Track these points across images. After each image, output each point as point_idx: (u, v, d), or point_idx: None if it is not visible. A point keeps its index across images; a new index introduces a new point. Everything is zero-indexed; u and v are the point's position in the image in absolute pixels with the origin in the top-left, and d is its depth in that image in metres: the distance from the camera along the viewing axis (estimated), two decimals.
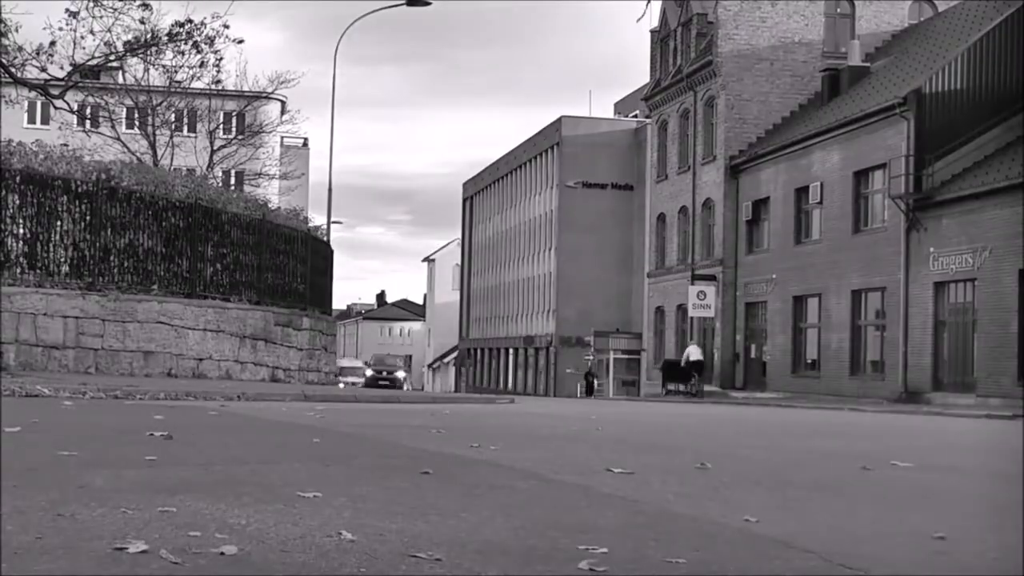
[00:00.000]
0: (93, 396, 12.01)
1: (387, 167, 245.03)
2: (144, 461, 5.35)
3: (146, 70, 35.41)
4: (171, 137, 39.67)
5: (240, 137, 46.57)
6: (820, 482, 5.91)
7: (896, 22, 46.07)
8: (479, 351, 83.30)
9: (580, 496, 4.71)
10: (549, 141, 68.90)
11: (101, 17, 26.56)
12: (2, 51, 26.41)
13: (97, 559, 2.89)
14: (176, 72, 33.84)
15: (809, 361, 40.13)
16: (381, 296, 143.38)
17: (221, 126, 45.78)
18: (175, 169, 32.84)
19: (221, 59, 31.24)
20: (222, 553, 3.02)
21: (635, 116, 68.01)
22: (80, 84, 30.95)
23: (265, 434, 7.73)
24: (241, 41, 31.27)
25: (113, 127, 39.24)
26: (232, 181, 48.34)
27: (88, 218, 18.31)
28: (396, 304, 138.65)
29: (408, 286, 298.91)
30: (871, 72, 41.76)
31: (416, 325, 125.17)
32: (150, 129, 39.43)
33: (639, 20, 57.12)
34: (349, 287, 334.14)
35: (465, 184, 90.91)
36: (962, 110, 33.88)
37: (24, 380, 13.05)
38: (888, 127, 34.96)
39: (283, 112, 49.71)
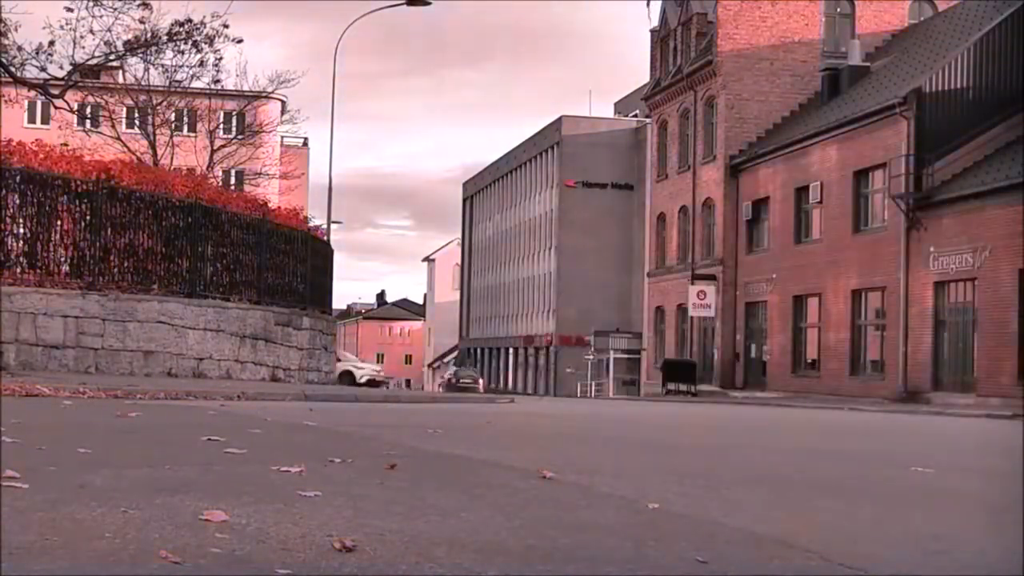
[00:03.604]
0: (93, 396, 12.01)
1: (387, 167, 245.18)
2: (144, 460, 5.35)
3: (146, 70, 35.41)
4: (171, 137, 39.66)
5: (240, 137, 46.57)
6: (820, 482, 5.91)
7: (896, 22, 46.08)
8: (479, 351, 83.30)
9: (580, 496, 4.71)
10: (549, 141, 68.91)
11: (101, 16, 26.58)
12: (2, 51, 26.41)
13: (97, 559, 2.89)
14: (176, 72, 33.87)
15: (809, 361, 40.14)
16: (381, 296, 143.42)
17: (221, 126, 45.78)
18: (175, 169, 32.84)
19: (221, 59, 31.31)
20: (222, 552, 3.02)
21: (635, 116, 68.02)
22: (80, 84, 30.97)
23: (264, 434, 7.73)
24: (240, 41, 31.32)
25: (113, 127, 39.23)
26: (232, 181, 48.34)
27: (88, 218, 18.30)
28: (396, 304, 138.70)
29: (408, 286, 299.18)
30: (871, 72, 41.77)
31: (416, 325, 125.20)
32: (150, 129, 39.43)
33: (648, 6, 56.68)
34: (349, 287, 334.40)
35: (465, 184, 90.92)
36: (962, 110, 33.90)
37: (24, 380, 13.05)
38: (888, 127, 34.97)
39: (283, 112, 49.71)
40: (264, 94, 43.47)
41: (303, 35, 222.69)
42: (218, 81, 33.83)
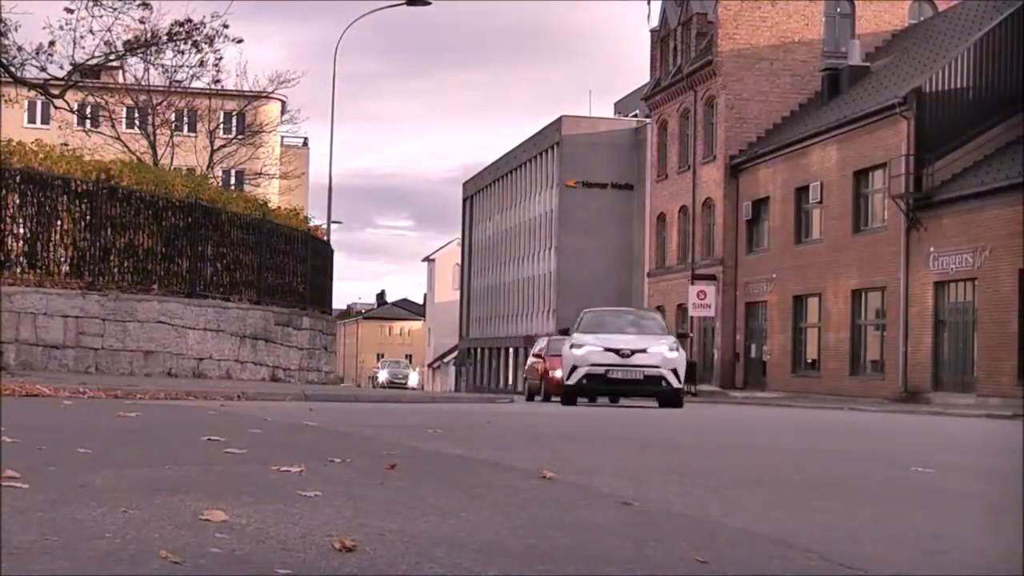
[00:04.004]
0: (93, 396, 12.01)
1: (387, 168, 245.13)
2: (144, 460, 5.35)
3: (146, 70, 35.45)
4: (171, 137, 39.69)
5: (240, 137, 46.59)
6: (820, 482, 5.91)
7: (896, 22, 46.09)
8: (479, 351, 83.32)
9: (580, 496, 4.71)
10: (549, 141, 68.90)
11: (101, 16, 26.59)
12: (2, 51, 26.41)
13: (97, 559, 2.89)
14: (176, 72, 33.89)
15: (809, 361, 40.15)
16: (381, 296, 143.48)
17: (221, 126, 45.79)
18: (175, 169, 32.84)
19: (221, 59, 31.34)
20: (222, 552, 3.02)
21: (635, 116, 68.02)
22: (80, 84, 30.98)
23: (264, 434, 7.73)
24: (240, 41, 31.34)
25: (113, 127, 39.25)
26: (232, 181, 48.35)
27: (88, 218, 18.30)
28: (396, 304, 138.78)
29: (408, 286, 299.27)
30: (871, 72, 41.78)
31: (416, 325, 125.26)
32: (150, 129, 39.45)
33: (648, 16, 57.40)
34: (349, 287, 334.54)
35: (465, 184, 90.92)
36: (962, 110, 33.91)
37: (24, 380, 13.05)
38: (888, 127, 34.97)
39: (283, 112, 49.74)
40: (264, 94, 43.51)
41: (303, 36, 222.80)
42: (218, 81, 33.88)
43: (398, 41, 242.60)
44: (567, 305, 65.15)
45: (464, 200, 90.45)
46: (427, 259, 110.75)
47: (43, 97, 29.84)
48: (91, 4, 26.29)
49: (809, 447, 9.20)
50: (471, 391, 70.27)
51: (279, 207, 27.13)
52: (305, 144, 73.17)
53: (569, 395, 20.84)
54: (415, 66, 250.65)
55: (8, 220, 17.29)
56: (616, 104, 79.36)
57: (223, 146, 44.25)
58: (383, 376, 77.02)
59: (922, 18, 45.84)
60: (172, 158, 39.02)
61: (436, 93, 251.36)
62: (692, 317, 46.15)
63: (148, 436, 7.28)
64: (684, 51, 49.81)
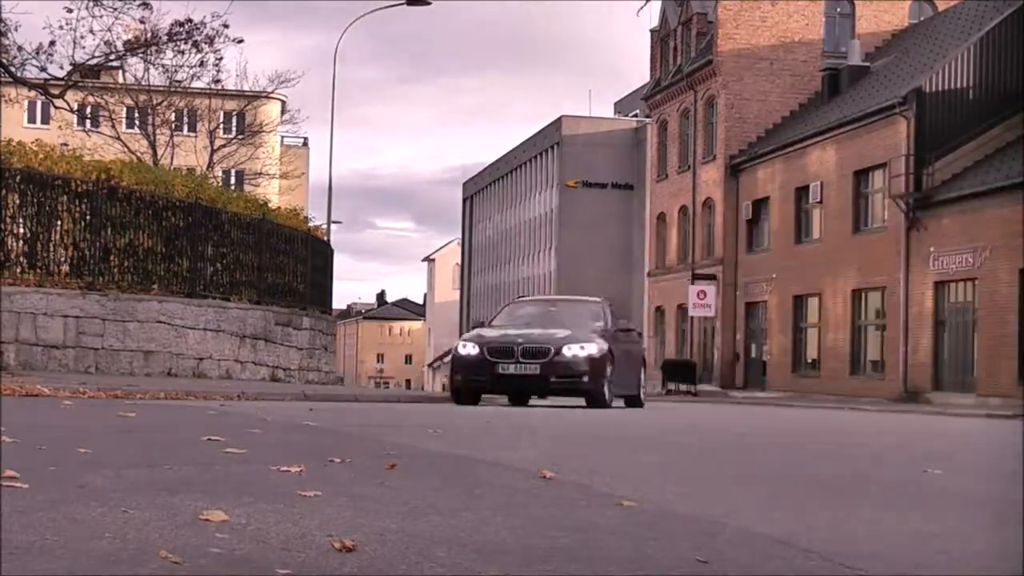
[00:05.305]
0: (93, 396, 12.01)
1: (387, 169, 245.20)
2: (144, 460, 5.35)
3: (146, 70, 35.47)
4: (171, 137, 39.71)
5: (240, 137, 46.61)
6: (820, 482, 5.91)
7: (896, 22, 46.09)
8: None
9: (580, 496, 4.71)
10: (549, 140, 68.90)
11: (101, 16, 26.60)
12: (2, 51, 26.42)
13: (97, 559, 2.88)
14: (176, 72, 33.91)
15: (809, 361, 40.15)
16: (381, 296, 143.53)
17: (221, 126, 45.81)
18: (175, 169, 32.86)
19: (221, 59, 31.36)
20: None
21: (635, 115, 68.00)
22: (80, 84, 30.98)
23: (264, 434, 7.73)
24: (241, 41, 31.36)
25: (113, 127, 39.26)
26: (232, 181, 48.36)
27: (88, 218, 18.30)
28: (396, 304, 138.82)
29: (408, 286, 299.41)
30: (871, 71, 41.78)
31: (416, 325, 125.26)
32: (150, 129, 39.47)
33: (639, 12, 57.87)
34: (349, 287, 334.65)
35: (465, 184, 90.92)
36: (962, 109, 33.91)
37: (24, 379, 13.05)
38: (888, 127, 34.97)
39: (283, 112, 49.75)
40: (264, 94, 43.53)
41: (302, 42, 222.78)
42: (218, 81, 33.89)
43: (397, 48, 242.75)
44: None
45: (464, 200, 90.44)
46: (427, 259, 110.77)
47: (43, 97, 29.86)
48: (91, 4, 26.31)
49: (809, 447, 9.20)
50: None
51: (279, 207, 27.13)
52: (305, 144, 73.15)
53: None
54: (415, 71, 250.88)
55: (8, 220, 17.29)
56: (616, 104, 79.34)
57: (223, 146, 44.28)
58: None
59: (922, 18, 45.83)
60: (172, 158, 39.03)
61: (436, 98, 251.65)
62: (692, 317, 46.15)
63: (148, 436, 7.27)
64: (684, 51, 49.81)
